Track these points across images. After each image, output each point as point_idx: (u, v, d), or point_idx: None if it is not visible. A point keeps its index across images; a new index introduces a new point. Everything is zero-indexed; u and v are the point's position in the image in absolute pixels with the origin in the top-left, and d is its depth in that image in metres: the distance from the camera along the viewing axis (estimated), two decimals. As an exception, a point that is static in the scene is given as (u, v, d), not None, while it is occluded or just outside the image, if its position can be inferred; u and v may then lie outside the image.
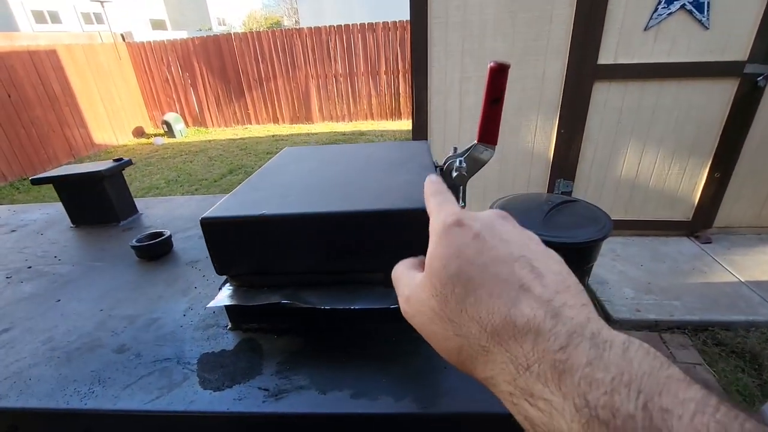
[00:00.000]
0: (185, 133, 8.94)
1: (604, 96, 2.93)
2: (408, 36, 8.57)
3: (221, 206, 0.59)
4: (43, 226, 1.13)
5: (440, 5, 2.78)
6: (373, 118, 9.42)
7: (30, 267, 0.90)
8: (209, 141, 8.29)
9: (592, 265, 2.12)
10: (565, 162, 3.12)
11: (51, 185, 1.05)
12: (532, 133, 3.09)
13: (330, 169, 0.76)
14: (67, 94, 7.26)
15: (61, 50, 7.12)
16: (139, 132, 9.16)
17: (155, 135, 8.88)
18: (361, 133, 8.32)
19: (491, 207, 2.14)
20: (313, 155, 0.86)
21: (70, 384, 0.56)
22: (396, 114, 9.38)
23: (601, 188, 3.21)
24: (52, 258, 0.94)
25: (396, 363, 0.56)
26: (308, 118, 9.41)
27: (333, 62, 8.93)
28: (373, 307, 0.56)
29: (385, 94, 9.19)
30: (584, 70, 2.83)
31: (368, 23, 8.63)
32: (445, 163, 0.65)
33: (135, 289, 0.78)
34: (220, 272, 0.61)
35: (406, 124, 8.94)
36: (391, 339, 0.60)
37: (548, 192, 3.22)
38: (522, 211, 2.15)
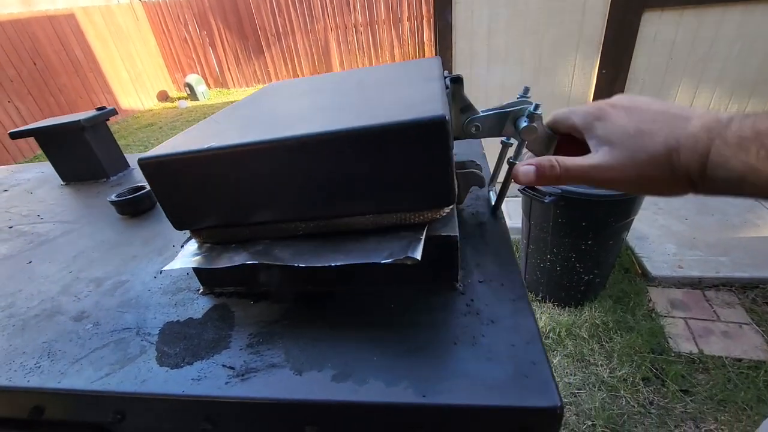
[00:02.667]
0: (208, 95, 8.87)
1: (653, 28, 2.54)
2: (432, -25, 7.92)
3: (168, 144, 0.47)
4: (35, 185, 1.07)
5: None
6: (396, 69, 8.95)
7: (11, 227, 0.84)
8: (232, 102, 8.20)
9: (632, 220, 1.92)
10: (606, 105, 2.80)
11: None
12: (569, 74, 2.76)
13: (314, 96, 0.61)
14: (90, 59, 7.26)
15: (79, 14, 7.04)
16: (163, 96, 9.17)
17: (179, 98, 8.86)
18: (384, 87, 7.95)
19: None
20: (299, 85, 0.72)
21: (18, 357, 0.49)
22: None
23: (646, 134, 2.88)
24: (35, 217, 0.87)
25: (392, 337, 0.44)
26: (328, 70, 9.07)
27: (352, 11, 8.41)
28: (359, 263, 0.43)
29: (408, 43, 8.65)
30: (633, -4, 2.44)
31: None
32: (511, 107, 0.49)
33: (110, 249, 0.70)
34: (177, 226, 0.50)
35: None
36: (389, 306, 0.49)
37: (586, 140, 2.93)
38: None
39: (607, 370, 1.79)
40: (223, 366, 0.44)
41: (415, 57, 8.72)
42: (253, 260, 0.46)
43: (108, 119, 1.01)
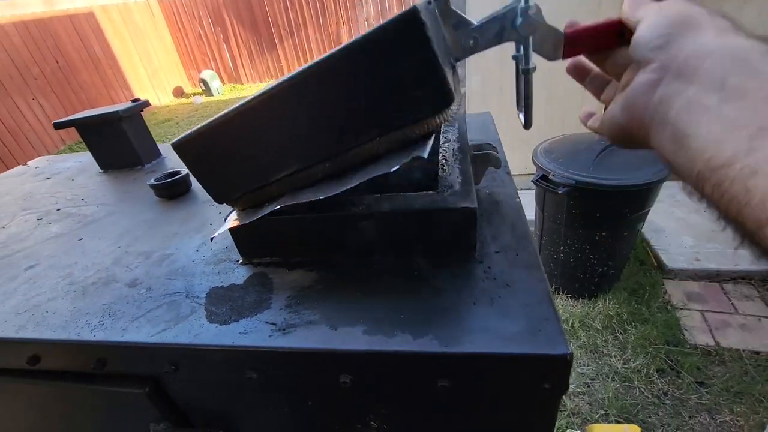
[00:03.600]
0: (222, 91, 9.00)
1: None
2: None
3: (192, 129, 0.52)
4: (75, 173, 1.15)
5: None
6: (408, 64, 8.94)
7: (59, 209, 0.91)
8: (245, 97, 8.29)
9: (648, 211, 1.92)
10: (623, 96, 2.78)
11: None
12: (584, 65, 2.75)
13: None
14: (109, 56, 7.43)
15: (98, 12, 7.21)
16: (178, 92, 9.34)
17: (194, 94, 9.01)
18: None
19: (535, 152, 1.95)
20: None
21: (83, 317, 0.55)
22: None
23: (663, 125, 2.85)
24: (79, 201, 0.94)
25: (417, 298, 0.49)
26: (341, 68, 9.10)
27: (364, 5, 8.42)
28: (374, 176, 0.46)
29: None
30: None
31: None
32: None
33: (152, 227, 0.76)
34: (217, 200, 0.56)
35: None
36: (413, 274, 0.53)
37: (600, 132, 2.91)
38: (570, 153, 1.95)
39: (621, 361, 1.80)
40: (266, 323, 0.49)
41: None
42: (280, 204, 0.51)
43: (142, 110, 1.08)
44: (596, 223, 1.88)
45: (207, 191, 0.57)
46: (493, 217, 0.63)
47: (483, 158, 0.67)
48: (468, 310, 0.47)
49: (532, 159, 1.93)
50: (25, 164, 1.31)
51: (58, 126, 1.02)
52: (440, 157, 0.65)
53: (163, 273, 0.62)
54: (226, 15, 8.79)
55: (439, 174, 0.59)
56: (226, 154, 0.52)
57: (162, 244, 0.70)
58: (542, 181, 1.84)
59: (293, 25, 8.74)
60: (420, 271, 0.53)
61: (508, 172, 0.74)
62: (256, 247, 0.60)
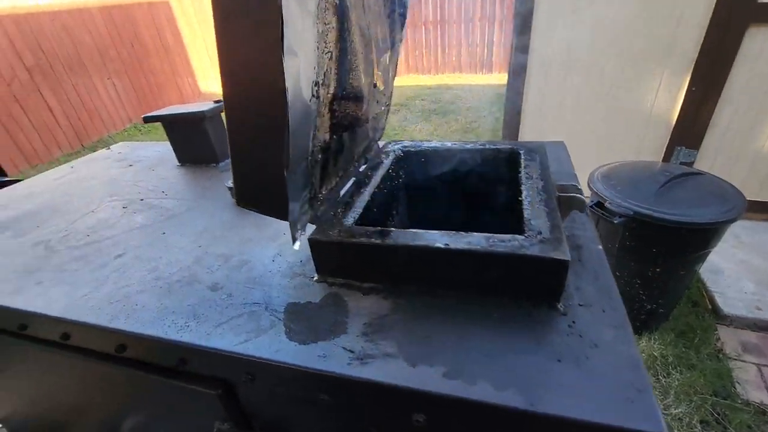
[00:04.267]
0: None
1: (759, 44, 2.33)
2: (510, -24, 7.71)
3: None
4: (155, 162, 1.23)
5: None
6: (461, 71, 8.86)
7: (142, 199, 0.98)
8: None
9: (710, 251, 1.79)
10: (691, 127, 2.61)
11: (161, 124, 1.12)
12: (653, 89, 2.61)
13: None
14: (178, 44, 7.89)
15: (173, 2, 7.68)
16: (236, 82, 9.74)
17: (250, 85, 9.37)
18: (448, 87, 7.91)
19: (591, 176, 1.87)
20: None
21: (170, 315, 0.58)
22: (487, 67, 8.70)
23: (734, 161, 2.64)
24: (160, 193, 1.00)
25: (497, 343, 0.48)
26: (393, 71, 9.16)
27: (423, 9, 8.42)
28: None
29: (478, 44, 8.52)
30: (738, 10, 2.25)
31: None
32: None
33: (229, 229, 0.80)
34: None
35: (496, 79, 8.27)
36: (493, 315, 0.52)
37: (663, 161, 2.75)
38: (630, 181, 1.85)
39: (661, 407, 1.69)
40: (344, 348, 0.50)
41: (483, 58, 8.57)
42: (392, 240, 0.51)
43: (222, 111, 1.13)
44: (651, 258, 1.77)
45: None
46: (575, 264, 0.60)
47: (568, 201, 0.65)
48: (552, 367, 0.45)
49: (588, 184, 1.85)
50: (108, 149, 1.41)
51: (147, 120, 1.10)
52: (525, 196, 0.63)
53: (242, 280, 0.64)
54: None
55: (526, 216, 0.58)
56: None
57: (239, 249, 0.73)
58: (597, 207, 1.76)
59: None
60: (500, 314, 0.52)
61: (587, 213, 0.72)
62: (334, 266, 0.61)
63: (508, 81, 2.91)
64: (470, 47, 8.54)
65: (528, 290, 0.53)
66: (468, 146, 0.86)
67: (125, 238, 0.81)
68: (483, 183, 0.86)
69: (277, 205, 0.51)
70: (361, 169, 0.80)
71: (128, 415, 0.75)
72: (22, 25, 5.27)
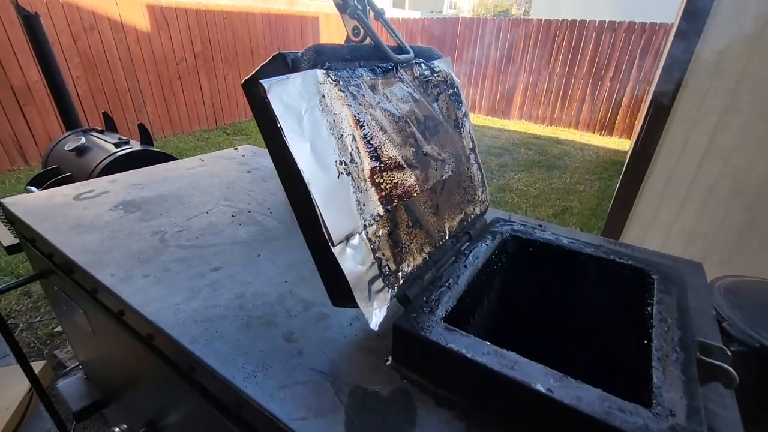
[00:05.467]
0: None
1: None
2: (657, 42, 7.13)
3: None
4: (270, 174, 1.31)
5: (729, 5, 2.08)
6: (577, 128, 8.37)
7: (249, 212, 1.04)
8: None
9: None
10: None
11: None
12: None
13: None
14: (315, 53, 8.73)
15: (322, 18, 8.53)
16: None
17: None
18: (558, 141, 7.50)
19: (712, 285, 1.56)
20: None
21: (242, 356, 0.58)
22: (607, 129, 8.10)
23: None
24: (266, 209, 1.06)
25: None
26: (505, 113, 8.99)
27: (553, 59, 8.18)
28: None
29: (603, 103, 7.99)
30: None
31: (609, 21, 7.53)
32: None
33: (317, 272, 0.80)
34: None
35: (614, 143, 7.64)
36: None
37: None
38: (764, 306, 1.50)
39: None
40: (403, 471, 0.44)
41: (605, 119, 8.00)
42: (498, 366, 0.45)
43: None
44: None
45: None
46: (709, 457, 0.47)
47: (711, 369, 0.52)
48: None
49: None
50: (236, 149, 1.56)
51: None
52: (655, 347, 0.52)
53: (316, 337, 0.63)
54: (419, 41, 9.49)
55: (655, 381, 0.47)
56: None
57: (322, 297, 0.72)
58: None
59: (475, 62, 8.97)
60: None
61: (734, 392, 0.57)
62: (412, 360, 0.56)
63: (633, 151, 2.64)
64: (593, 105, 8.04)
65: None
66: (587, 250, 0.76)
67: (225, 251, 0.86)
68: (597, 301, 0.75)
69: (344, 287, 0.51)
70: (463, 247, 0.75)
71: (169, 418, 0.78)
72: (201, 18, 6.27)
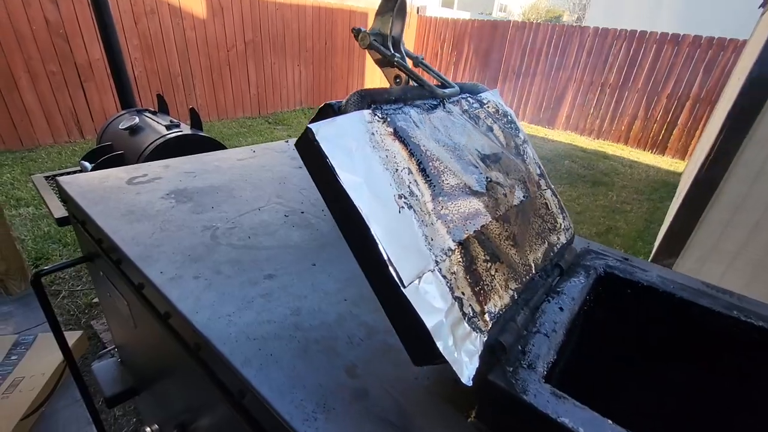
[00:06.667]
0: (430, 105, 9.59)
1: None
2: (725, 59, 6.61)
3: None
4: (320, 172, 1.24)
5: None
6: (626, 143, 7.94)
7: (303, 212, 0.97)
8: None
9: None
10: None
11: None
12: None
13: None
14: (362, 50, 8.70)
15: (371, 13, 8.50)
16: (395, 93, 10.34)
17: (407, 99, 9.85)
18: (606, 156, 7.13)
19: None
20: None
21: (299, 389, 0.51)
22: (660, 147, 7.64)
23: None
24: (319, 211, 0.99)
25: None
26: (550, 123, 8.65)
27: (607, 70, 7.78)
28: None
29: (656, 120, 7.53)
30: None
31: (673, 34, 7.08)
32: None
33: (376, 289, 0.72)
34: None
35: (666, 162, 7.20)
36: None
37: None
38: None
39: None
40: None
41: (657, 137, 7.54)
42: None
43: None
44: None
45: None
46: None
47: None
48: None
49: None
50: (286, 142, 1.51)
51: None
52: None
53: (383, 375, 0.54)
54: (467, 43, 9.30)
55: None
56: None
57: (385, 323, 0.63)
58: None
59: (523, 69, 8.69)
60: None
61: None
62: (502, 421, 0.47)
63: (697, 176, 2.41)
64: (647, 121, 7.59)
65: None
66: (704, 302, 0.63)
67: (279, 256, 0.79)
68: (716, 364, 0.62)
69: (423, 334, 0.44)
70: (554, 283, 0.64)
71: (205, 427, 0.72)
72: (254, 7, 6.36)
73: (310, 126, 0.44)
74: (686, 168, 6.46)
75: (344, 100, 0.52)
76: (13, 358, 2.08)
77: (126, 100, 2.97)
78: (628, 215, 4.79)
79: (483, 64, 9.21)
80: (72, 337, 2.16)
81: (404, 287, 0.44)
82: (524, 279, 0.60)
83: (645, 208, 5.05)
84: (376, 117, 0.53)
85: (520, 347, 0.50)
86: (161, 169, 1.15)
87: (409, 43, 9.94)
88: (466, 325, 0.48)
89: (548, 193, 0.79)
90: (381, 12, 0.63)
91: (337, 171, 0.44)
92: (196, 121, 2.44)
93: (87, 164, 2.48)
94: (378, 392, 0.52)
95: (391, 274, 0.44)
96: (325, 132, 0.45)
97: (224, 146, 2.21)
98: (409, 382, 0.54)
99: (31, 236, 3.33)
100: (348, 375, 0.54)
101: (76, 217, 0.98)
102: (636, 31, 7.41)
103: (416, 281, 0.46)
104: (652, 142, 7.65)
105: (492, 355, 0.47)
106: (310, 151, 0.45)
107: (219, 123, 6.51)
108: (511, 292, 0.56)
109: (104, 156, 2.31)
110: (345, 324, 0.63)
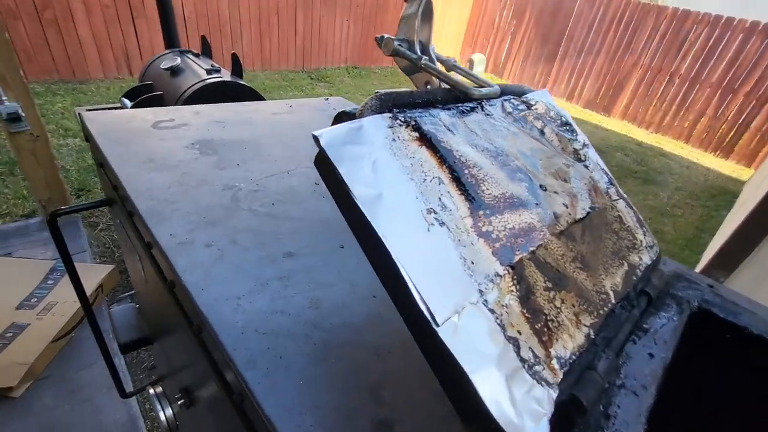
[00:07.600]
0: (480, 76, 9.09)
1: None
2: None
3: None
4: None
5: None
6: (687, 142, 7.28)
7: (317, 184, 0.86)
8: (495, 93, 8.16)
9: None
10: None
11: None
12: None
13: None
14: (413, 8, 8.22)
15: (428, -31, 7.95)
16: (443, 61, 9.83)
17: (454, 68, 9.35)
18: (662, 153, 6.58)
19: None
20: None
21: (311, 412, 0.41)
22: (725, 150, 6.97)
23: None
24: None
25: None
26: (606, 110, 8.01)
27: (680, 59, 7.03)
28: None
29: (727, 119, 6.83)
30: None
31: (765, 24, 6.24)
32: None
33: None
34: None
35: (729, 168, 6.58)
36: None
37: None
38: None
39: None
40: None
41: (724, 138, 6.86)
42: None
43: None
44: None
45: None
46: None
47: None
48: None
49: None
50: (326, 99, 1.38)
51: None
52: None
53: (416, 404, 0.43)
54: (528, 12, 8.59)
55: None
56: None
57: (419, 334, 0.53)
58: None
59: (586, 47, 7.98)
60: None
61: None
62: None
63: None
64: (715, 119, 6.88)
65: None
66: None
67: (304, 230, 0.69)
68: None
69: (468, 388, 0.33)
70: (640, 315, 0.51)
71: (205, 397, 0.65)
72: (308, -47, 6.06)
73: (314, 133, 0.38)
74: (752, 177, 5.86)
75: (361, 105, 0.44)
76: (49, 282, 2.15)
77: (170, 40, 2.89)
78: (678, 220, 4.42)
79: (542, 37, 8.52)
80: (103, 270, 2.21)
81: (437, 326, 0.33)
82: (601, 311, 0.47)
83: (698, 214, 4.65)
84: (398, 121, 0.44)
85: (601, 407, 0.38)
86: (190, 115, 1.06)
87: (465, 5, 9.29)
88: (527, 375, 0.36)
89: (621, 204, 0.65)
90: (405, 16, 0.58)
91: (347, 182, 0.36)
92: (237, 68, 2.34)
93: (127, 102, 2.45)
94: (407, 430, 0.41)
95: (419, 309, 0.33)
96: (334, 138, 0.38)
97: (263, 98, 2.10)
98: (451, 423, 0.43)
99: (76, 167, 3.41)
100: (371, 398, 0.43)
101: (96, 158, 0.91)
102: (722, 16, 6.58)
103: (454, 317, 0.34)
104: (717, 144, 6.97)
105: (566, 420, 0.35)
106: (322, 163, 0.38)
107: (262, 73, 6.41)
108: (585, 329, 0.43)
109: (143, 95, 2.26)
110: (376, 327, 0.52)
